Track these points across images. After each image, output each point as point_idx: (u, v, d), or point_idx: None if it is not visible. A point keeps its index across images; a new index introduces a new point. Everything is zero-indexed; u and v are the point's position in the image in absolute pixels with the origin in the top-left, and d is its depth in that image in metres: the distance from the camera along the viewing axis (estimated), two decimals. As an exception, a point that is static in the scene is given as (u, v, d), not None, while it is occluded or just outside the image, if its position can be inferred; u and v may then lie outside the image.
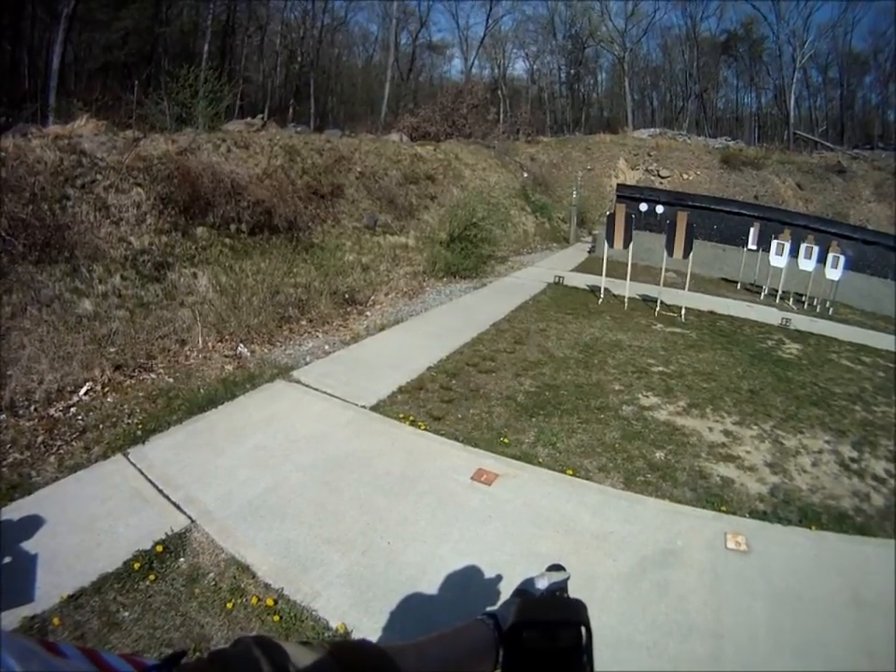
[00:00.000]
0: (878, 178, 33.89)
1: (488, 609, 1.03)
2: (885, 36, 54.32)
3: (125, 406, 6.55)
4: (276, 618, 3.72)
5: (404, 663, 0.77)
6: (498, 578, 3.99)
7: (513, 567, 4.14)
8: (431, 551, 4.19)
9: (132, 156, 10.87)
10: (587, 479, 5.82)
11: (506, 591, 3.70)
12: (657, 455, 6.47)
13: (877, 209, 32.52)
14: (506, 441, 6.37)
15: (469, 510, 4.77)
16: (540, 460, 6.04)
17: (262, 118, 27.35)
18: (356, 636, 3.54)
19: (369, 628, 3.63)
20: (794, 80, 54.30)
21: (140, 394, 6.87)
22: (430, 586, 3.96)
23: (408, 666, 0.77)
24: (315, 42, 52.32)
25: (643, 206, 20.51)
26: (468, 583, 4.01)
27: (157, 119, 16.22)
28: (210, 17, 43.25)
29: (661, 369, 9.03)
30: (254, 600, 3.85)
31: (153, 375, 7.42)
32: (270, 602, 3.82)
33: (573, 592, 4.11)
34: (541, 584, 1.26)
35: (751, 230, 16.71)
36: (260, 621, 3.71)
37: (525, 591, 1.26)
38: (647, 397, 7.99)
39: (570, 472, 5.88)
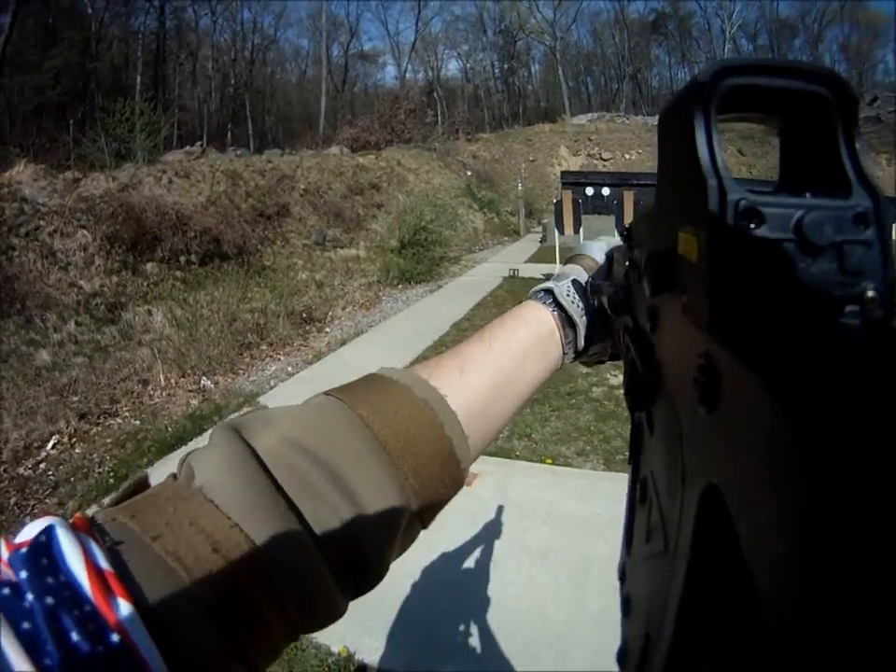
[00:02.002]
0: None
1: (535, 288, 0.83)
2: (809, 0, 55.53)
3: (94, 455, 6.47)
4: None
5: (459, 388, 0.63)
6: (489, 575, 4.04)
7: (506, 563, 4.16)
8: (422, 560, 4.17)
9: (73, 198, 10.80)
10: (567, 465, 5.85)
11: (501, 589, 3.79)
12: None
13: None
14: None
15: (454, 513, 4.71)
16: (518, 453, 6.02)
17: (201, 144, 27.32)
18: (358, 657, 3.56)
19: (370, 647, 3.60)
20: (725, 51, 55.53)
21: (108, 440, 6.78)
22: (426, 596, 3.93)
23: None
24: (248, 63, 52.50)
25: (589, 190, 20.78)
26: (463, 587, 3.99)
27: (96, 156, 16.24)
28: (140, 48, 43.16)
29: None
30: None
31: (119, 420, 7.32)
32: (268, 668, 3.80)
33: (568, 578, 4.09)
34: (595, 251, 0.88)
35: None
36: None
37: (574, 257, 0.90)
38: (615, 376, 8.04)
39: (549, 461, 5.89)
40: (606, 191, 20.36)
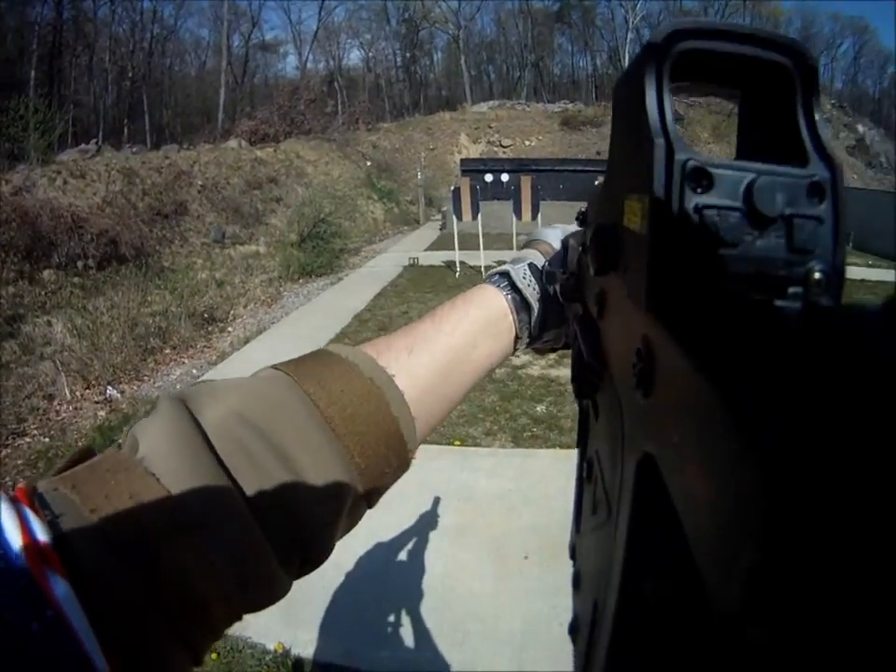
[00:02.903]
0: (714, 121, 35.84)
1: (492, 271, 0.82)
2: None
3: (7, 478, 6.19)
4: (214, 656, 3.61)
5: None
6: (412, 559, 4.15)
7: (424, 544, 4.27)
8: (341, 548, 4.08)
9: (-37, 204, 10.38)
10: (476, 446, 5.97)
11: (426, 571, 3.99)
12: (538, 408, 6.75)
13: (716, 149, 34.25)
14: None
15: None
16: (427, 438, 5.97)
17: (97, 142, 26.47)
18: (294, 652, 3.59)
19: (305, 641, 3.64)
20: (628, 41, 55.73)
21: (19, 461, 6.53)
22: (354, 586, 3.97)
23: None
24: (146, 55, 50.26)
25: (488, 177, 21.04)
26: (389, 573, 4.06)
27: None
28: (36, 40, 41.33)
29: None
30: None
31: (28, 439, 7.01)
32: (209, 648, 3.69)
33: (488, 553, 4.34)
34: (551, 238, 0.89)
35: (596, 184, 17.38)
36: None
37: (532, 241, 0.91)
38: (517, 357, 7.75)
39: (458, 443, 6.00)
40: (505, 177, 20.65)
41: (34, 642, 0.34)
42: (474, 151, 35.17)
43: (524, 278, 0.78)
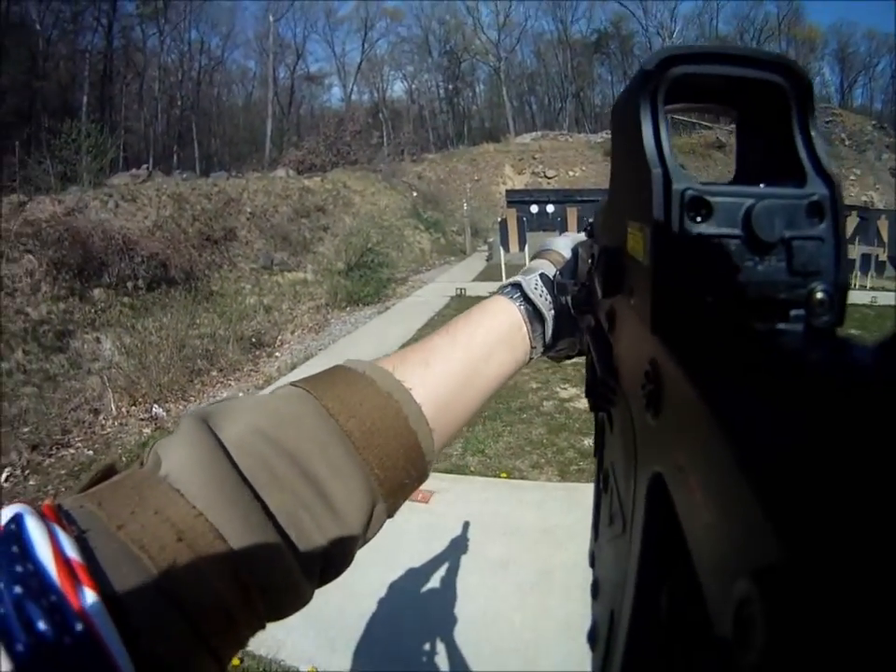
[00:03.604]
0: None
1: (504, 282, 0.82)
2: (748, 18, 57.03)
3: (49, 487, 6.35)
4: None
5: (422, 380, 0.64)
6: (453, 590, 4.01)
7: (467, 576, 4.17)
8: (383, 579, 4.17)
9: (19, 222, 10.68)
10: (522, 478, 5.92)
11: (465, 601, 3.85)
12: (586, 442, 6.57)
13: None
14: None
15: (413, 531, 4.73)
16: (472, 469, 6.10)
17: (147, 167, 27.05)
18: None
19: (339, 666, 3.60)
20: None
21: (62, 472, 6.67)
22: (390, 614, 3.93)
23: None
24: (194, 84, 51.89)
25: (534, 208, 21.13)
26: (426, 603, 3.99)
27: (41, 179, 15.88)
28: (87, 67, 42.39)
29: (574, 360, 9.09)
30: None
31: (72, 450, 7.20)
32: (235, 661, 3.60)
33: (531, 587, 4.21)
34: (562, 247, 0.89)
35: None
36: None
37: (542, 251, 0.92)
38: (565, 389, 8.13)
39: (504, 475, 5.97)
40: (550, 208, 20.70)
41: (66, 656, 0.35)
42: (519, 182, 35.39)
43: (535, 289, 0.79)
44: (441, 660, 3.52)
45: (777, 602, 0.17)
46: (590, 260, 0.61)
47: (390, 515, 0.60)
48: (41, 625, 0.34)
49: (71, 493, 0.46)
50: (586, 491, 4.43)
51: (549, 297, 0.78)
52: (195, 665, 0.42)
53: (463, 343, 0.71)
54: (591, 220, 0.66)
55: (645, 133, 0.35)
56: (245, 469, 0.49)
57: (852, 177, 38.71)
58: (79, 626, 0.35)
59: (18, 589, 0.35)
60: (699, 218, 0.33)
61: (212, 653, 0.43)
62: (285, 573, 0.48)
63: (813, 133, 0.36)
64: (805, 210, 0.34)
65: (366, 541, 0.59)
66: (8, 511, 0.40)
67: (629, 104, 0.38)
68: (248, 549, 0.45)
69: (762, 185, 0.36)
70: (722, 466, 0.21)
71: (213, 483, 0.46)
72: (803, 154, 0.36)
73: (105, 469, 0.49)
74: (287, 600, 0.49)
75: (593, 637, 0.56)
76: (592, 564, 0.66)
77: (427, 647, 3.61)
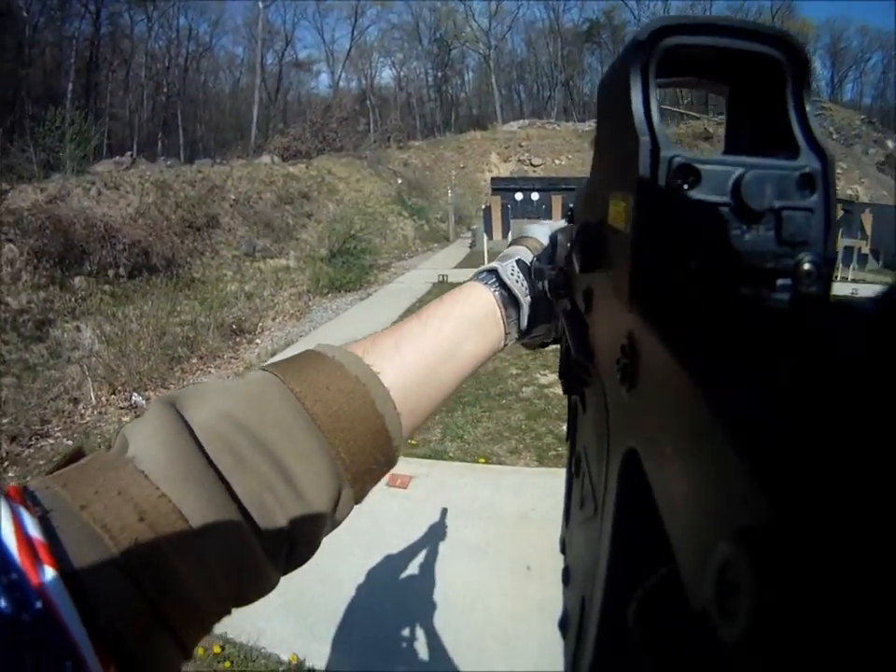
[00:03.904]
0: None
1: (480, 268, 0.83)
2: (741, 10, 57.05)
3: (28, 478, 5.73)
4: (228, 664, 3.60)
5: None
6: (432, 575, 4.05)
7: (446, 561, 4.18)
8: (361, 563, 4.20)
9: (0, 210, 10.64)
10: (501, 464, 5.95)
11: (444, 586, 3.87)
12: (564, 427, 6.21)
13: None
14: (413, 442, 6.20)
15: (391, 516, 4.77)
16: (451, 455, 6.10)
17: (131, 154, 26.85)
18: (308, 664, 3.57)
19: (319, 652, 3.60)
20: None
21: (41, 462, 6.59)
22: (370, 598, 3.96)
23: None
24: (181, 70, 51.33)
25: (519, 196, 21.09)
26: (406, 588, 3.99)
27: (24, 167, 15.75)
28: (73, 54, 42.01)
29: (554, 347, 8.97)
30: (200, 651, 3.62)
31: (51, 441, 7.12)
32: (217, 649, 3.67)
33: (509, 572, 4.27)
34: (539, 234, 0.89)
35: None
36: (213, 670, 3.56)
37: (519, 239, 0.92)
38: (545, 375, 8.13)
39: (483, 460, 5.98)
40: (535, 196, 20.70)
41: (23, 632, 0.35)
42: (505, 170, 35.34)
43: (511, 274, 0.79)
44: (421, 645, 3.57)
45: (764, 561, 0.16)
46: (568, 244, 0.61)
47: (358, 500, 0.61)
48: (1, 603, 0.35)
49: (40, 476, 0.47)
50: (563, 475, 4.64)
51: (525, 282, 0.79)
52: (154, 645, 0.43)
53: (435, 327, 0.71)
54: (571, 206, 0.66)
55: (634, 102, 0.35)
56: (210, 452, 0.49)
57: (838, 171, 38.75)
58: (38, 604, 0.36)
59: None
60: (686, 186, 0.33)
61: (172, 634, 0.44)
62: (249, 556, 0.48)
63: (807, 108, 0.36)
64: (797, 181, 0.34)
65: (333, 526, 0.60)
66: None
67: (619, 74, 0.37)
68: (211, 530, 0.46)
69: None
70: (702, 430, 0.21)
71: (178, 464, 0.47)
72: (796, 127, 0.36)
73: (73, 453, 0.50)
74: (251, 584, 0.50)
75: (564, 625, 0.57)
76: (563, 550, 0.67)
77: (406, 632, 3.64)
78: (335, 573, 4.09)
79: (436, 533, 4.43)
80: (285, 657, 3.64)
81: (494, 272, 0.80)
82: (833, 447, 0.15)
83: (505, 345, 0.80)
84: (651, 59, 0.35)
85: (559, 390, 7.51)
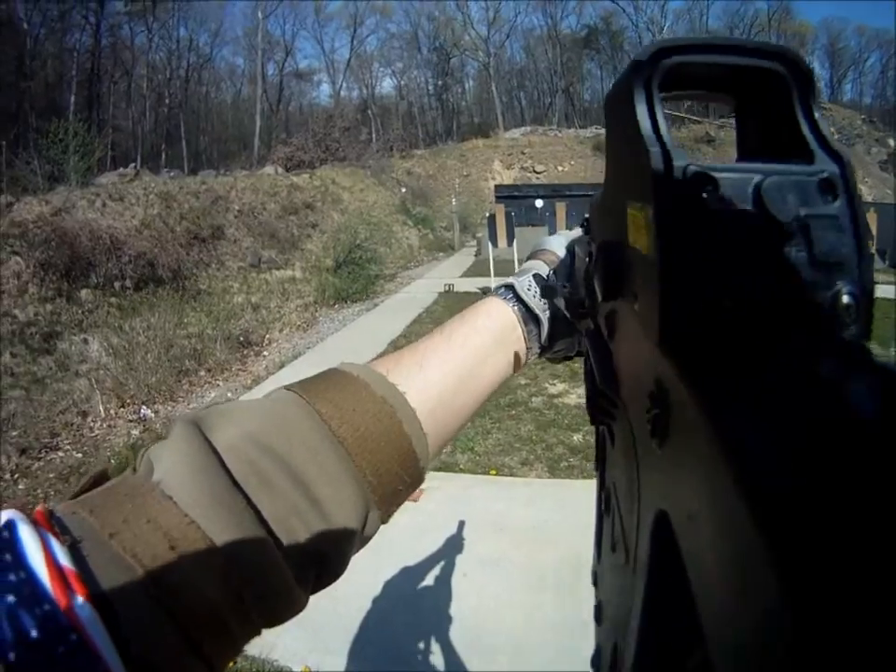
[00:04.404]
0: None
1: (498, 284, 0.81)
2: (738, 14, 57.30)
3: (38, 490, 6.26)
4: None
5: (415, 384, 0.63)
6: (443, 587, 4.06)
7: (460, 574, 4.17)
8: (373, 577, 4.11)
9: (6, 223, 10.66)
10: (512, 475, 5.89)
11: (457, 599, 3.88)
12: (575, 438, 6.55)
13: None
14: None
15: (402, 529, 4.64)
16: (462, 467, 6.04)
17: (135, 166, 26.99)
18: None
19: (333, 664, 3.58)
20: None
21: (51, 475, 6.59)
22: (382, 612, 3.91)
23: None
24: (183, 82, 51.76)
25: (523, 203, 21.10)
26: (418, 601, 3.97)
27: (28, 179, 15.81)
28: (75, 66, 42.26)
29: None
30: None
31: (61, 453, 7.12)
32: (229, 663, 3.64)
33: (522, 584, 4.21)
34: (555, 246, 0.88)
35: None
36: None
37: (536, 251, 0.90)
38: (553, 385, 8.07)
39: (494, 472, 5.92)
40: (539, 203, 20.69)
41: (59, 665, 0.35)
42: (508, 177, 35.42)
43: (528, 290, 0.78)
44: (435, 658, 3.53)
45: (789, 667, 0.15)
46: (587, 259, 0.59)
47: (384, 521, 0.60)
48: (34, 634, 0.35)
49: (63, 499, 0.46)
50: (576, 488, 4.67)
51: (543, 298, 0.78)
52: (187, 671, 0.42)
53: (458, 344, 0.71)
54: (587, 216, 0.64)
55: (640, 116, 0.34)
56: (237, 475, 0.49)
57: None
58: (73, 635, 0.35)
59: (10, 598, 0.36)
60: (704, 195, 0.31)
61: (204, 660, 0.43)
62: (278, 580, 0.48)
63: (816, 115, 0.35)
64: (817, 186, 0.32)
65: (360, 547, 0.59)
66: (1, 518, 0.40)
67: (623, 90, 0.37)
68: (241, 556, 0.46)
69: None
70: (733, 518, 0.20)
71: (205, 489, 0.46)
72: (808, 133, 0.35)
73: (97, 475, 0.49)
74: (281, 607, 0.50)
75: (597, 664, 0.55)
76: (595, 583, 0.65)
77: (420, 645, 3.62)
78: (347, 586, 3.95)
79: (448, 546, 4.40)
80: (297, 669, 3.63)
81: (510, 287, 0.79)
82: (877, 553, 0.15)
83: (527, 361, 0.79)
84: (653, 76, 0.35)
85: (569, 400, 7.77)
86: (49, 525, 0.40)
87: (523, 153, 38.20)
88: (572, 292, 0.68)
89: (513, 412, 7.38)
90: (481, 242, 20.43)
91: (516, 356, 0.76)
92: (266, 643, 3.77)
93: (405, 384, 0.62)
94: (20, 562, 0.37)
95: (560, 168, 36.75)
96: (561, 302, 0.73)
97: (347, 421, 0.55)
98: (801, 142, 0.34)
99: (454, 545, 4.41)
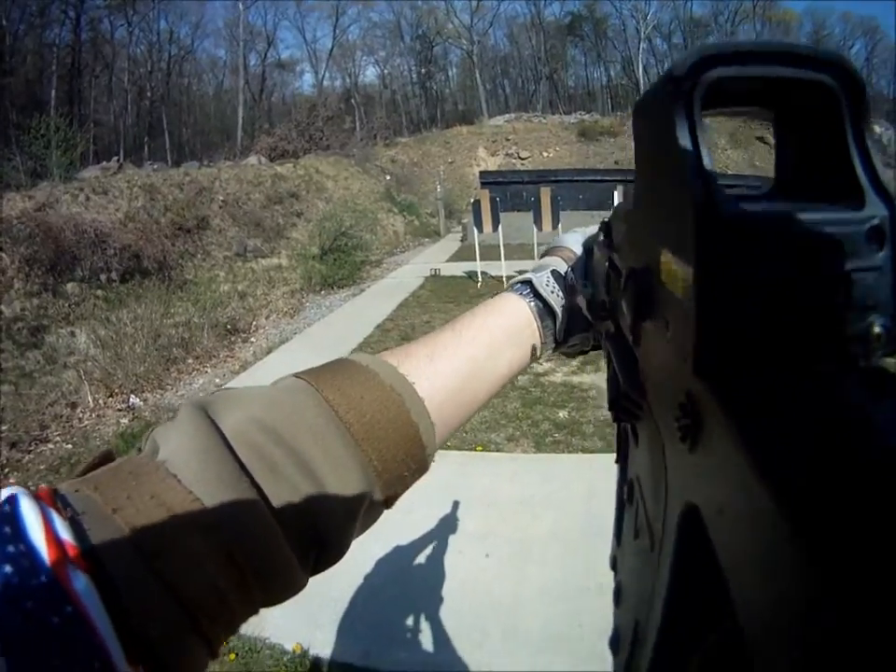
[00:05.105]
0: (731, 127, 35.71)
1: (514, 280, 0.82)
2: (723, 1, 57.16)
3: (30, 483, 5.98)
4: (232, 656, 3.64)
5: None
6: (432, 562, 4.11)
7: (444, 548, 4.24)
8: (362, 551, 3.90)
9: (-11, 220, 10.54)
10: (498, 451, 6.00)
11: (447, 573, 3.93)
12: (560, 414, 6.71)
13: (734, 155, 34.49)
14: None
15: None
16: (448, 444, 5.85)
17: (118, 160, 26.72)
18: (312, 653, 3.59)
19: (324, 642, 3.63)
20: (640, 50, 56.71)
21: (42, 467, 6.64)
22: (372, 587, 3.98)
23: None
24: (164, 75, 51.34)
25: (506, 189, 21.14)
26: (408, 577, 4.05)
27: (11, 175, 15.72)
28: (55, 61, 41.93)
29: None
30: None
31: (51, 445, 7.17)
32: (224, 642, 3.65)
33: (509, 557, 4.35)
34: (572, 243, 0.88)
35: (615, 193, 17.05)
36: (218, 663, 3.51)
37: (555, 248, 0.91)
38: (540, 364, 8.04)
39: (480, 448, 6.02)
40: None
41: (54, 636, 0.35)
42: (492, 164, 35.37)
43: (546, 285, 0.79)
44: (424, 631, 3.63)
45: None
46: (606, 264, 0.59)
47: (388, 506, 0.62)
48: (29, 605, 0.35)
49: (68, 479, 0.47)
50: (562, 462, 4.90)
51: (560, 293, 0.79)
52: (185, 647, 0.43)
53: (468, 338, 0.72)
54: (605, 220, 0.64)
55: (682, 148, 0.32)
56: (242, 457, 0.49)
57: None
58: (68, 607, 0.36)
59: (8, 568, 0.36)
60: (751, 252, 0.30)
61: (202, 636, 0.44)
62: (280, 560, 0.49)
63: (868, 143, 0.32)
64: (865, 236, 0.30)
65: (362, 531, 0.60)
66: (3, 493, 0.41)
67: (659, 111, 0.34)
68: (243, 533, 0.46)
69: (811, 202, 0.32)
70: (765, 524, 0.20)
71: (210, 469, 0.47)
72: (859, 168, 0.32)
73: (102, 455, 0.49)
74: (281, 586, 0.51)
75: (616, 644, 0.55)
76: (613, 567, 0.65)
77: (409, 619, 3.69)
78: (338, 564, 3.97)
79: (438, 523, 4.44)
80: (289, 647, 3.67)
81: (528, 283, 0.80)
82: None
83: (541, 355, 0.80)
84: (694, 93, 0.32)
85: (554, 378, 7.87)
86: (52, 500, 0.41)
87: (507, 140, 38.12)
88: (593, 294, 0.69)
89: (499, 390, 7.44)
90: (466, 227, 20.42)
91: (529, 350, 0.78)
92: (258, 620, 3.68)
93: (414, 374, 0.63)
94: (19, 534, 0.38)
95: (545, 154, 36.70)
96: (582, 302, 0.74)
97: (354, 408, 0.57)
98: (850, 175, 0.32)
99: (442, 521, 4.45)
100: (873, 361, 0.30)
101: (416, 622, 3.69)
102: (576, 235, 0.89)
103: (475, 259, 13.96)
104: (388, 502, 0.61)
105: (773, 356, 0.29)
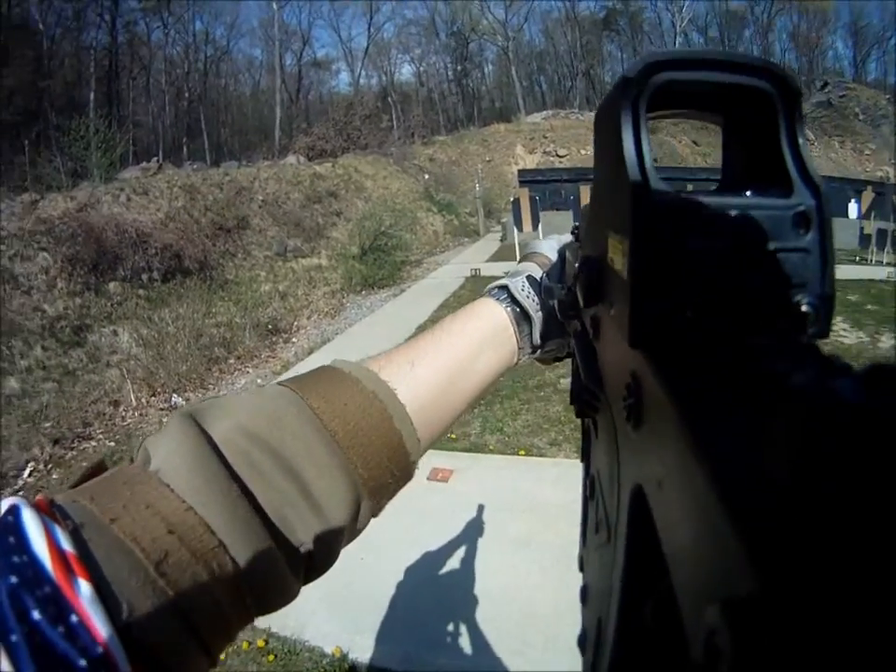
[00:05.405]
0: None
1: (491, 285, 0.84)
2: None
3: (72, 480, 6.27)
4: (271, 657, 3.65)
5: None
6: (473, 568, 4.08)
7: (489, 554, 4.21)
8: (404, 557, 4.22)
9: (32, 220, 10.76)
10: (541, 455, 5.92)
11: (487, 579, 3.89)
12: None
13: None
14: (453, 436, 6.27)
15: (433, 509, 4.76)
16: (491, 448, 6.10)
17: (157, 160, 27.11)
18: (352, 657, 3.57)
19: (363, 646, 3.60)
20: (676, 44, 56.08)
21: (84, 464, 6.33)
22: (414, 593, 3.95)
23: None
24: (201, 75, 52.16)
25: (547, 187, 21.03)
26: (449, 581, 4.05)
27: (52, 177, 16.09)
28: (93, 64, 42.66)
29: None
30: (245, 645, 3.76)
31: (93, 443, 7.26)
32: (261, 643, 3.74)
33: (551, 564, 4.14)
34: (547, 249, 0.90)
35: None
36: (256, 664, 3.64)
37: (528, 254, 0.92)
38: None
39: (523, 452, 5.97)
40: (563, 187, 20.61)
41: (60, 646, 0.36)
42: (531, 162, 35.30)
43: (522, 290, 0.79)
44: (464, 637, 3.58)
45: (745, 637, 0.16)
46: (577, 265, 0.57)
47: (375, 514, 0.61)
48: (35, 615, 0.35)
49: (62, 490, 0.47)
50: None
51: (536, 298, 0.79)
52: (185, 655, 0.43)
53: (448, 343, 0.72)
54: (577, 224, 0.68)
55: (626, 142, 0.34)
56: (233, 466, 0.50)
57: (867, 152, 38.41)
58: (73, 616, 0.36)
59: (13, 579, 0.36)
60: (681, 231, 0.32)
61: (201, 645, 0.44)
62: (273, 567, 0.49)
63: (800, 141, 0.35)
64: (792, 221, 0.33)
65: (350, 539, 0.60)
66: (4, 503, 0.41)
67: (610, 111, 0.36)
68: (237, 542, 0.46)
69: (748, 193, 0.35)
70: (698, 488, 0.21)
71: (201, 477, 0.47)
72: (789, 162, 0.35)
73: (94, 466, 0.50)
74: (274, 594, 0.50)
75: (583, 643, 0.57)
76: (581, 568, 0.67)
77: (449, 625, 3.67)
78: (378, 567, 4.13)
79: (477, 526, 4.45)
80: (328, 650, 3.65)
81: (504, 288, 0.81)
82: (829, 518, 0.16)
83: (518, 361, 0.81)
84: (641, 95, 0.35)
85: None
86: (51, 511, 0.41)
87: (545, 137, 37.97)
88: (565, 293, 0.69)
89: (542, 393, 7.42)
90: (506, 227, 20.45)
91: (507, 355, 0.78)
92: (297, 624, 3.83)
93: (396, 380, 0.64)
94: (22, 545, 0.38)
95: (583, 151, 36.40)
96: (556, 303, 0.72)
97: (339, 415, 0.57)
98: (782, 169, 0.35)
99: (484, 526, 4.48)
100: (804, 339, 0.32)
101: (456, 627, 3.67)
102: (551, 242, 0.91)
103: (515, 259, 13.70)
104: (375, 510, 0.61)
105: (705, 328, 0.32)
